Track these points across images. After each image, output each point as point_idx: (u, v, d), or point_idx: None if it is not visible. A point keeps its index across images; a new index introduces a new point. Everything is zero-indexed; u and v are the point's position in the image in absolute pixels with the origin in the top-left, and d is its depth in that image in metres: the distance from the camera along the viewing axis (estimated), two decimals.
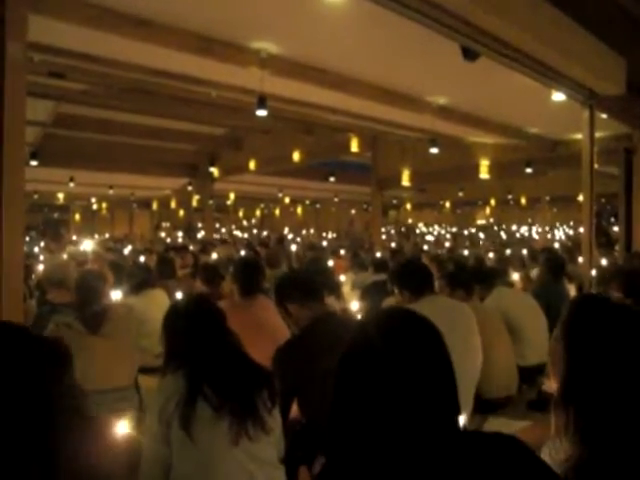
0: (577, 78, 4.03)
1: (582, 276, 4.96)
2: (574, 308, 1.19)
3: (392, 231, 20.83)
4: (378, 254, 8.13)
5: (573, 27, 3.58)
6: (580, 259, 5.93)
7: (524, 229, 21.84)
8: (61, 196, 16.42)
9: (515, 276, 5.30)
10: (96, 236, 17.20)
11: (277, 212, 23.27)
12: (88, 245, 9.13)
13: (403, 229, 22.38)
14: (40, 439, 0.48)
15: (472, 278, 3.71)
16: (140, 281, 3.96)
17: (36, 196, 14.76)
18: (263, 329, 2.79)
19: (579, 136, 5.18)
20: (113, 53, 4.53)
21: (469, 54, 3.67)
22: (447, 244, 14.28)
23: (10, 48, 2.02)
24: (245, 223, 24.81)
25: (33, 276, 5.48)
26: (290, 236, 17.93)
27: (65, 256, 7.12)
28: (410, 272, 2.97)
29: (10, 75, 2.06)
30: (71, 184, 12.46)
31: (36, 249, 10.18)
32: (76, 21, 3.55)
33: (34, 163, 8.60)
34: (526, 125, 7.29)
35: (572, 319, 1.14)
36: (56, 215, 23.86)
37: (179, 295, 4.08)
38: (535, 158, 8.15)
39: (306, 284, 2.36)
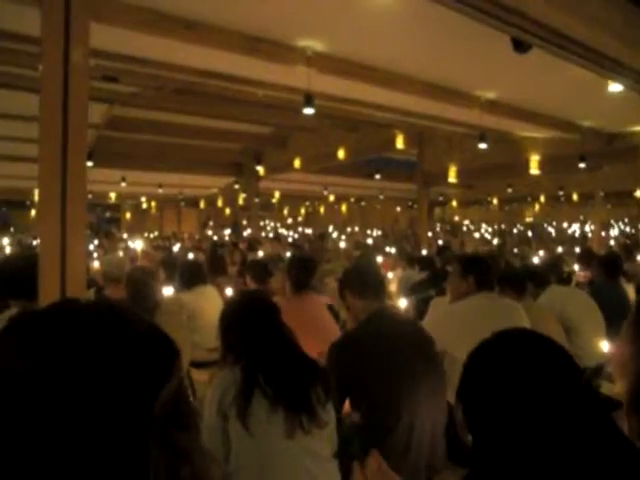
0: (638, 68, 3.86)
1: None
2: None
3: (438, 228, 20.54)
4: (424, 252, 8.05)
5: (634, 13, 3.42)
6: (639, 257, 5.69)
7: (575, 226, 21.10)
8: (113, 195, 16.97)
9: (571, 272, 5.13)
10: (146, 234, 17.72)
11: (322, 210, 23.31)
12: (139, 244, 9.43)
13: (449, 227, 22.05)
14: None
15: (523, 277, 3.62)
16: (192, 277, 4.06)
17: (90, 196, 15.31)
18: (315, 325, 2.82)
19: (637, 128, 4.96)
20: (163, 55, 4.64)
21: (520, 46, 3.57)
22: (494, 242, 13.95)
23: (74, 54, 2.11)
24: (290, 221, 24.97)
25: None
26: (335, 234, 17.96)
27: (120, 253, 7.37)
28: (479, 261, 3.11)
29: (74, 80, 2.15)
30: (122, 184, 12.86)
31: (90, 247, 10.55)
32: (129, 25, 3.65)
33: (89, 164, 8.85)
34: (580, 118, 7.02)
35: None
36: (108, 214, 24.73)
37: (229, 291, 4.16)
38: (589, 152, 7.85)
39: (366, 279, 2.38)
